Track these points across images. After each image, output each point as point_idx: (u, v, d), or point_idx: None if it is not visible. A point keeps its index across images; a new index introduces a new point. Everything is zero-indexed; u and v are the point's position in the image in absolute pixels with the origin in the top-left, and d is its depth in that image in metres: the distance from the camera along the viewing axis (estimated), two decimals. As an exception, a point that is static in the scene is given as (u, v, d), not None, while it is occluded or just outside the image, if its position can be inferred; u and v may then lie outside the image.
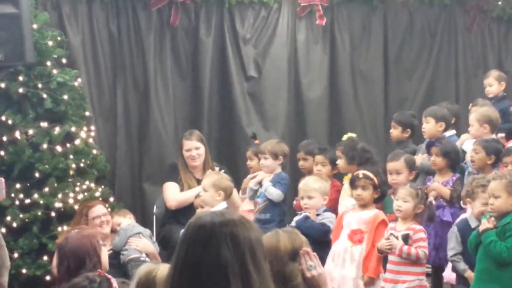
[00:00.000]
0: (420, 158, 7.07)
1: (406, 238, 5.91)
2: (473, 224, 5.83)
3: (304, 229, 6.27)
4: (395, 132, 7.49)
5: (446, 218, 6.48)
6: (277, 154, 7.28)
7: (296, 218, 6.54)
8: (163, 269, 3.24)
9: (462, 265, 5.93)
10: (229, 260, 2.45)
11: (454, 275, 6.14)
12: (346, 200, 6.76)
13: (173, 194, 7.34)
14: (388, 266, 6.01)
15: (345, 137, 7.14)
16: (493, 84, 8.23)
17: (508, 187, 5.39)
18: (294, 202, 7.20)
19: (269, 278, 2.54)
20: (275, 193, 7.05)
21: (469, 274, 5.79)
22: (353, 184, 6.41)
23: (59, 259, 4.70)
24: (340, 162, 6.98)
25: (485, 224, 5.42)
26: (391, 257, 5.99)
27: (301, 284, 3.24)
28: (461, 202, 6.38)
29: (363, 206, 6.34)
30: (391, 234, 5.97)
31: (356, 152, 6.89)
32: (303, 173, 7.42)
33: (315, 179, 6.65)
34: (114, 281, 3.86)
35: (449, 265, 6.22)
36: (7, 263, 5.49)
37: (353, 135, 7.23)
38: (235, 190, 7.25)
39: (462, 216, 6.20)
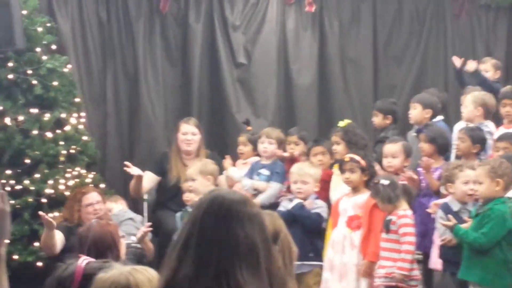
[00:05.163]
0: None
1: (388, 224, 5.93)
2: (454, 207, 5.88)
3: (300, 218, 6.34)
4: (377, 119, 7.48)
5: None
6: (282, 142, 7.25)
7: (289, 205, 6.50)
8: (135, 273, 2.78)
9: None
10: (240, 240, 2.35)
11: (440, 261, 6.11)
12: (338, 186, 6.70)
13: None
14: (390, 254, 5.97)
15: (343, 123, 7.05)
16: (489, 70, 8.16)
17: (490, 173, 5.49)
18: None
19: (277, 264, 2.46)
20: (270, 196, 6.93)
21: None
22: (341, 169, 6.45)
23: (80, 247, 4.70)
24: (339, 148, 6.90)
25: (447, 224, 5.59)
26: (389, 244, 5.97)
27: (281, 268, 3.13)
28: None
29: (355, 189, 6.35)
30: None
31: (357, 138, 6.86)
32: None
33: (309, 164, 6.63)
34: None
35: (435, 252, 6.20)
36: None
37: (350, 121, 7.19)
38: (223, 176, 7.27)
39: (441, 200, 6.13)
